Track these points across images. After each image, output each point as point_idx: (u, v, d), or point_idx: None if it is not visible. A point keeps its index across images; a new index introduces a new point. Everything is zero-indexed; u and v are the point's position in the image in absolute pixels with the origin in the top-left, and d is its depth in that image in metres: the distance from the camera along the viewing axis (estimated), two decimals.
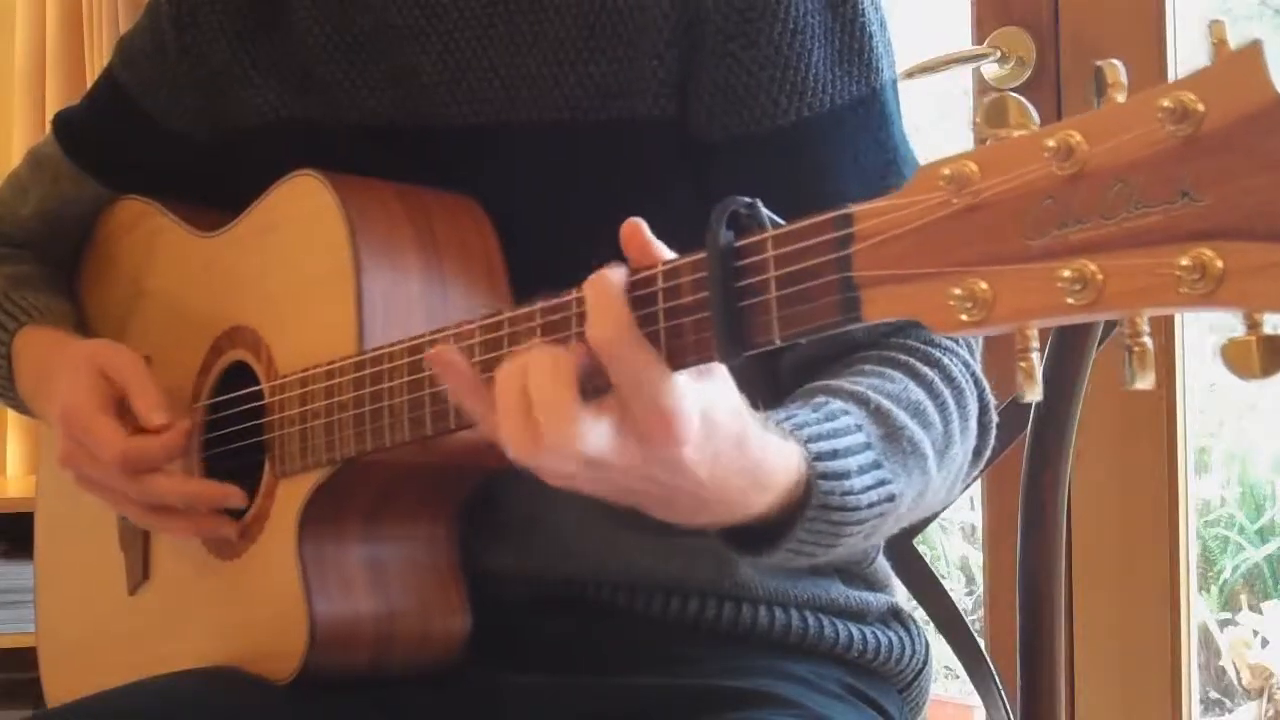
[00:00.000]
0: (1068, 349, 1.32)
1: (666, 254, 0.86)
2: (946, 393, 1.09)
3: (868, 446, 1.00)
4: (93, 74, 2.78)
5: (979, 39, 2.06)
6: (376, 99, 1.22)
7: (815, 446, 0.96)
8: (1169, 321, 1.95)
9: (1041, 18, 2.02)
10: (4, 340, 1.35)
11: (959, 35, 2.15)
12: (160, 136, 1.34)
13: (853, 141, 1.12)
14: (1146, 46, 1.89)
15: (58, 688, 1.45)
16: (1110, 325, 1.26)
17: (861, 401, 1.04)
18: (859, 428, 1.01)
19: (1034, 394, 0.68)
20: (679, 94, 1.13)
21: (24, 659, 1.70)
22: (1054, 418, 1.34)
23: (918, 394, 1.07)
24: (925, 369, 1.09)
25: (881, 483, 1.00)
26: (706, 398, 0.86)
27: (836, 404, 1.02)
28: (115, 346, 1.28)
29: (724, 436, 0.87)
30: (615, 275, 0.85)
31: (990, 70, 2.03)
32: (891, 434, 1.03)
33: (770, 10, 1.11)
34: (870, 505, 0.99)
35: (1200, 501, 3.02)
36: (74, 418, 1.22)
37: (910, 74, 1.94)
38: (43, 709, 1.32)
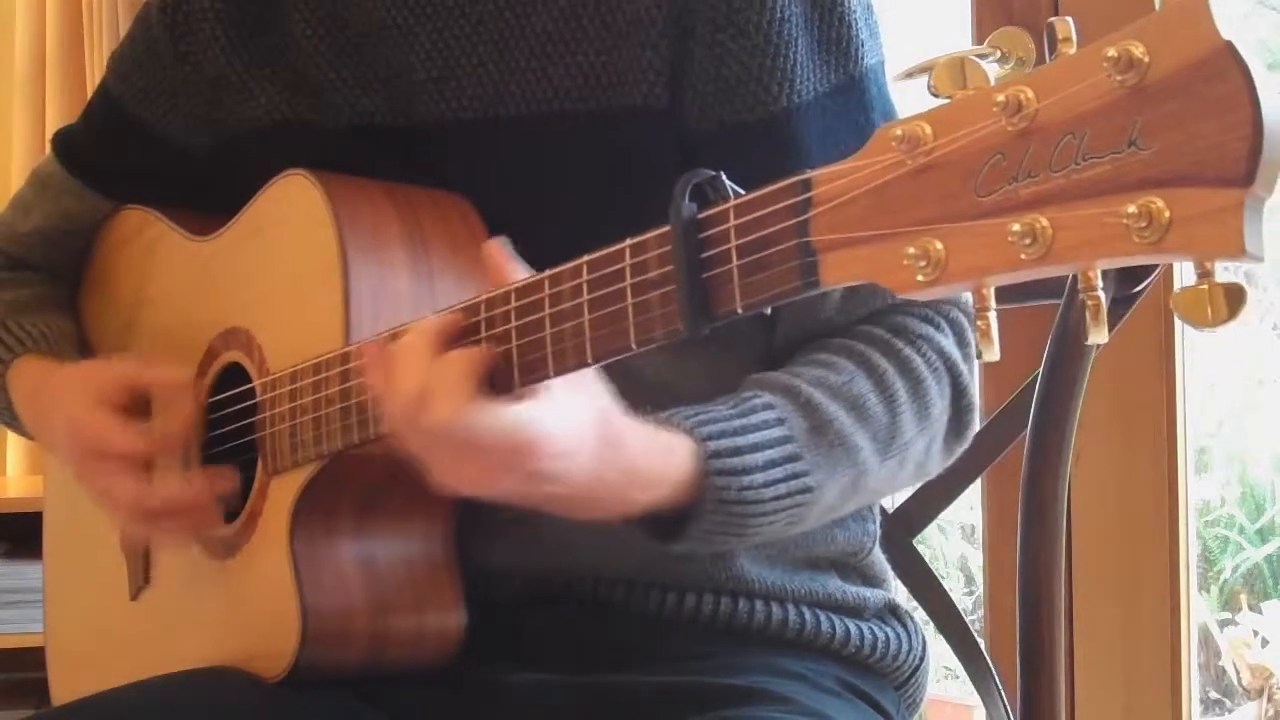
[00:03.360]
0: (1067, 348, 1.31)
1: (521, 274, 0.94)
2: (899, 384, 1.11)
3: (786, 440, 1.05)
4: (92, 77, 2.79)
5: (979, 39, 2.06)
6: (369, 99, 1.23)
7: (715, 444, 1.01)
8: (1169, 321, 1.94)
9: (1041, 18, 2.02)
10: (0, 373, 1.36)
11: (959, 35, 2.16)
12: (159, 145, 1.35)
13: (834, 128, 1.13)
14: None
15: (64, 690, 1.46)
16: (1111, 325, 1.26)
17: (792, 394, 1.08)
18: (780, 421, 1.05)
19: (991, 354, 0.68)
20: (671, 84, 1.14)
21: (27, 659, 1.70)
22: (1054, 418, 1.33)
23: (862, 386, 1.10)
24: (880, 360, 1.12)
25: (794, 475, 1.04)
26: (563, 408, 0.93)
27: (763, 398, 1.07)
28: (102, 362, 1.30)
29: (590, 440, 0.94)
30: (421, 346, 0.94)
31: (990, 70, 2.02)
32: (818, 427, 1.07)
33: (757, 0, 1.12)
34: (778, 498, 1.04)
35: (1200, 501, 3.00)
36: (82, 428, 1.24)
37: (910, 74, 1.93)
38: (45, 708, 1.32)
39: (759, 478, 1.02)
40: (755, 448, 1.03)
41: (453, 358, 0.92)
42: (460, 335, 0.96)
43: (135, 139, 1.36)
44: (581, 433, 0.93)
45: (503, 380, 0.93)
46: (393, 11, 1.20)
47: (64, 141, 1.44)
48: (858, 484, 1.09)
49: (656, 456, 0.99)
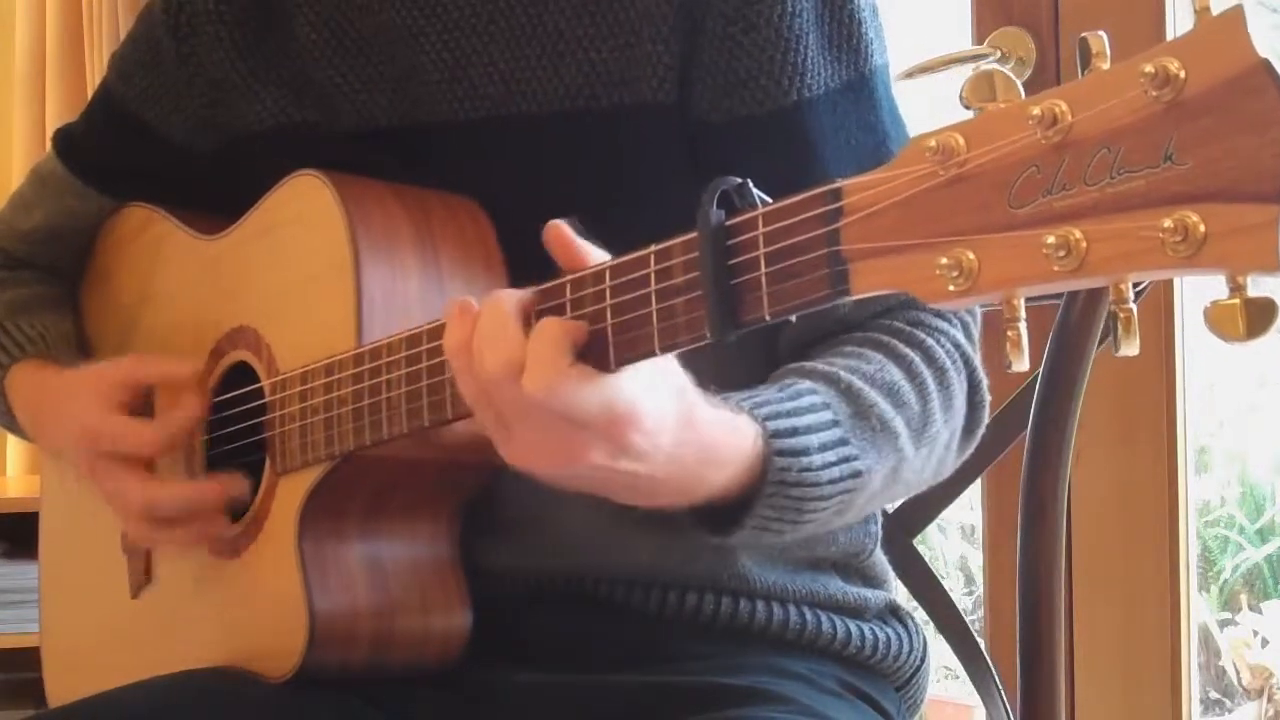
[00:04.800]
0: (1067, 348, 1.32)
1: (596, 255, 0.91)
2: (926, 373, 1.11)
3: (834, 424, 1.03)
4: (93, 77, 2.79)
5: (979, 39, 2.06)
6: (376, 101, 1.22)
7: (773, 424, 0.99)
8: (1170, 321, 1.96)
9: (1041, 18, 2.03)
10: None
11: (959, 35, 2.17)
12: (161, 145, 1.34)
13: (844, 125, 1.14)
14: (1147, 46, 1.89)
15: (60, 691, 1.46)
16: (1111, 324, 1.27)
17: (831, 381, 1.06)
18: (826, 405, 1.04)
19: (1021, 364, 0.68)
20: (681, 79, 1.14)
21: (26, 659, 1.70)
22: (1054, 418, 1.34)
23: (894, 374, 1.09)
24: (906, 350, 1.11)
25: (845, 459, 1.03)
26: (650, 383, 0.90)
27: (805, 384, 1.05)
28: (105, 364, 1.30)
29: (672, 417, 0.91)
30: (510, 308, 0.91)
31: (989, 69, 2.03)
32: (861, 412, 1.05)
33: None
34: (833, 481, 1.02)
35: (1200, 501, 3.01)
36: (92, 432, 1.24)
37: (910, 74, 1.95)
38: (44, 709, 1.32)
39: (816, 459, 1.00)
40: (810, 429, 1.01)
41: (548, 325, 0.89)
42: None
43: (137, 139, 1.35)
44: (667, 409, 0.91)
45: None
46: (401, 12, 1.20)
47: (65, 140, 1.43)
48: (898, 471, 1.08)
49: (727, 435, 0.96)
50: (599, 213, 1.09)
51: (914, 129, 1.20)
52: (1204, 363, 2.20)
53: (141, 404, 1.26)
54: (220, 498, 1.21)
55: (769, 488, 0.99)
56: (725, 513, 1.00)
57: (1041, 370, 1.33)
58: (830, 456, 1.01)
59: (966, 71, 2.07)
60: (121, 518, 1.25)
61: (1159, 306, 1.94)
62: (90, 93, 1.47)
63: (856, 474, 1.03)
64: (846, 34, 1.14)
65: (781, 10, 1.12)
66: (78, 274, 1.46)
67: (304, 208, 1.18)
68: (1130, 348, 0.65)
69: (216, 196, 1.31)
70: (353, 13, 1.23)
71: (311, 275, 1.16)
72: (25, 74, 2.90)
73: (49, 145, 1.46)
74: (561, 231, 0.92)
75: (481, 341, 0.91)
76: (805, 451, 1.00)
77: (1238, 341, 0.61)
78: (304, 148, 1.24)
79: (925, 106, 2.03)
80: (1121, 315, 0.64)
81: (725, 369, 1.11)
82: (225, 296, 1.28)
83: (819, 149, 1.13)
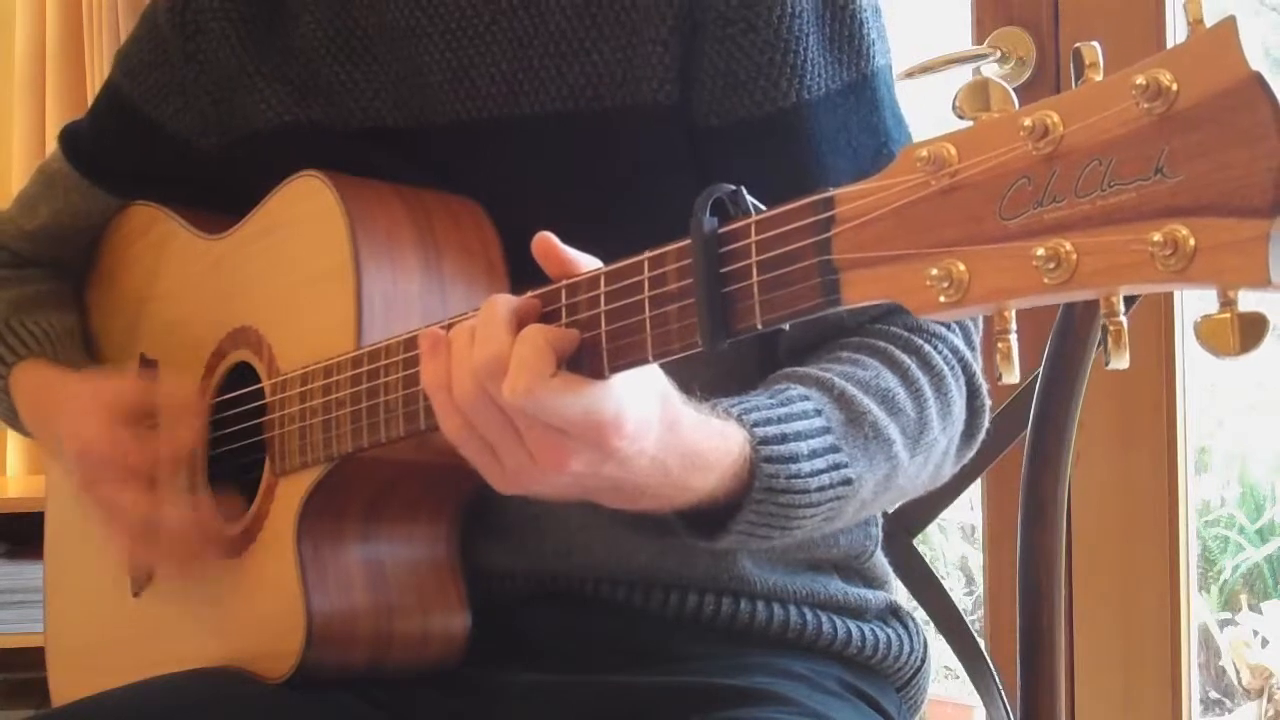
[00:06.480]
0: (1067, 349, 1.32)
1: (586, 262, 0.90)
2: (923, 379, 1.10)
3: (826, 431, 1.03)
4: (93, 76, 2.78)
5: (979, 39, 2.06)
6: (380, 100, 1.22)
7: (762, 431, 0.99)
8: (1169, 321, 1.95)
9: (1041, 18, 2.03)
10: (2, 374, 1.37)
11: (959, 35, 2.16)
12: (167, 144, 1.35)
13: (845, 126, 1.14)
14: (1146, 46, 1.90)
15: (64, 689, 1.46)
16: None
17: (825, 387, 1.06)
18: (818, 412, 1.03)
19: (1011, 375, 0.68)
20: (681, 80, 1.14)
21: (27, 658, 1.71)
22: (1054, 418, 1.34)
23: (889, 381, 1.09)
24: (903, 356, 1.11)
25: (836, 466, 1.02)
26: (632, 389, 0.89)
27: (798, 390, 1.05)
28: (110, 376, 1.30)
29: (655, 422, 0.91)
30: (501, 316, 0.90)
31: (990, 70, 2.02)
32: (854, 419, 1.05)
33: None
34: (822, 489, 1.01)
35: (1200, 501, 3.01)
36: (92, 446, 1.24)
37: (910, 74, 1.94)
38: (46, 708, 1.32)
39: (805, 466, 1.00)
40: (799, 436, 1.00)
41: (532, 332, 0.88)
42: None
43: (143, 137, 1.36)
44: (650, 414, 0.91)
45: None
46: (405, 12, 1.20)
47: (71, 139, 1.43)
48: (890, 479, 1.08)
49: (713, 440, 0.96)
50: (600, 213, 1.09)
51: (918, 129, 1.20)
52: (1204, 363, 2.20)
53: (144, 422, 1.25)
54: (216, 516, 1.22)
55: (756, 494, 0.99)
56: (713, 517, 1.00)
57: (1042, 370, 1.33)
58: (820, 464, 1.01)
59: (966, 72, 2.08)
60: (115, 533, 1.26)
61: (1159, 307, 1.94)
62: (91, 92, 1.48)
63: (847, 481, 1.03)
64: (848, 34, 1.14)
65: (781, 11, 1.12)
66: (83, 272, 1.47)
67: (306, 209, 1.18)
68: (1120, 361, 0.64)
69: (222, 194, 1.31)
70: (357, 11, 1.23)
71: (313, 276, 1.17)
72: (25, 74, 2.89)
73: (54, 143, 1.47)
74: (549, 242, 0.92)
75: (470, 343, 0.91)
76: (794, 458, 1.00)
77: (1229, 356, 0.61)
78: (309, 146, 1.24)
79: (925, 107, 2.03)
80: (1112, 328, 0.64)
81: (723, 374, 1.11)
82: (228, 296, 1.28)
83: (819, 151, 1.13)
